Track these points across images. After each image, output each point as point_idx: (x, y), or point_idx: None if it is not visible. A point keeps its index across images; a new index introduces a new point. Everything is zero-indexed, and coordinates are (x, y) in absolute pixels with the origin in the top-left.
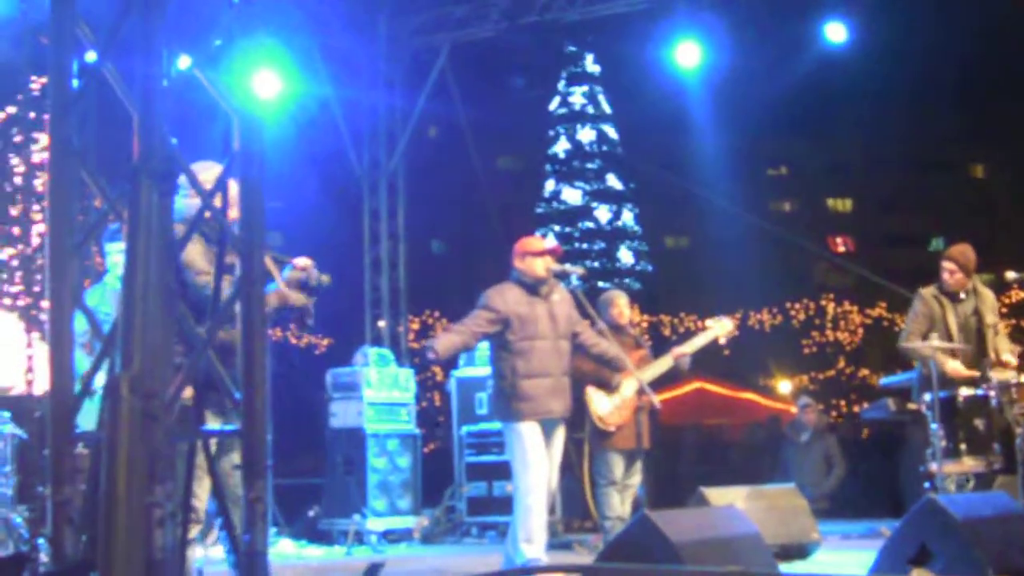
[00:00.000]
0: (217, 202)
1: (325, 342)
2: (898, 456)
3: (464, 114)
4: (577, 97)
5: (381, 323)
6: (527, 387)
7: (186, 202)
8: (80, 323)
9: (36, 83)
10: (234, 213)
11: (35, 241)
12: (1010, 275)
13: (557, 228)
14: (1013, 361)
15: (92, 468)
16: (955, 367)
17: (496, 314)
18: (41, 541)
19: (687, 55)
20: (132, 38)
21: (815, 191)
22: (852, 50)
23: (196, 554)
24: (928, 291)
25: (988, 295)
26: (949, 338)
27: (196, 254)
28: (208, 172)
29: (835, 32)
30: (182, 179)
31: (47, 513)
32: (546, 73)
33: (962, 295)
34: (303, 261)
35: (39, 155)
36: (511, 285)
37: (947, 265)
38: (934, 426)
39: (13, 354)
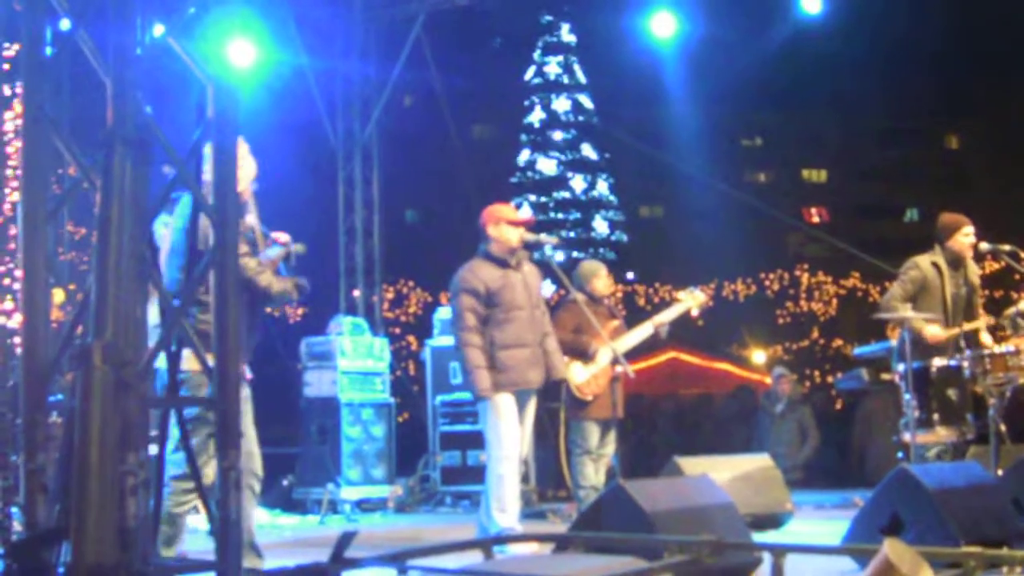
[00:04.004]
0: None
1: (299, 311)
2: (854, 425)
3: (439, 83)
4: (552, 67)
5: (356, 292)
6: (505, 358)
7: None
8: None
9: (9, 50)
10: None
11: (7, 209)
12: (983, 246)
13: (532, 198)
14: (989, 341)
15: (65, 436)
16: (934, 331)
17: (476, 294)
18: (14, 509)
19: (662, 25)
20: (106, 5)
21: (790, 162)
22: (827, 21)
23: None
24: (924, 259)
25: (973, 266)
26: (944, 305)
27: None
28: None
29: (810, 3)
30: None
31: (20, 481)
32: (521, 42)
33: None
34: (285, 236)
35: (12, 123)
36: (480, 262)
37: (969, 230)
38: (908, 396)
39: None
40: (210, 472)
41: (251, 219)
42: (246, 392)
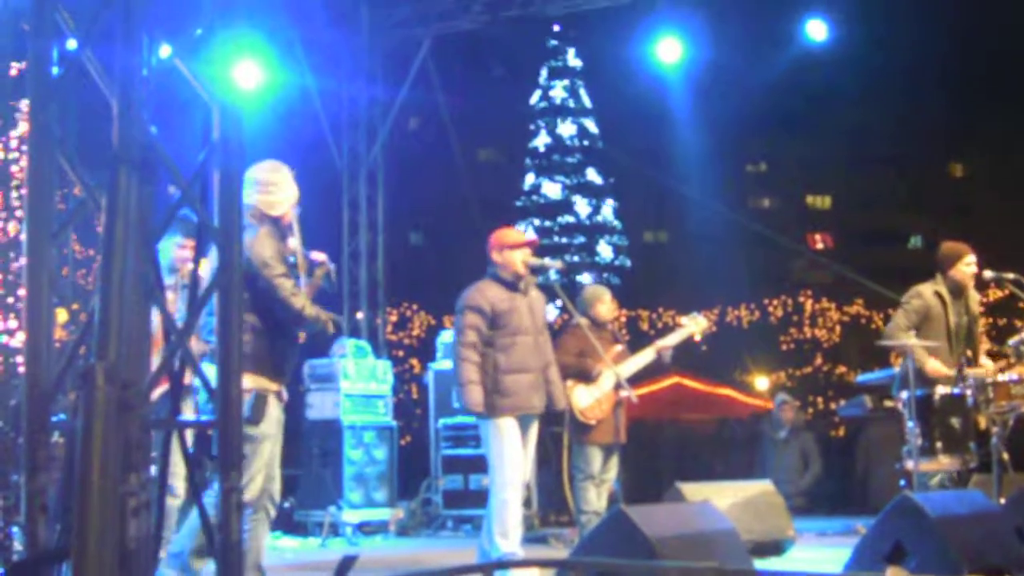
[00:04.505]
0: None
1: (302, 333)
2: (857, 452)
3: (445, 106)
4: (558, 91)
5: (359, 314)
6: (509, 382)
7: (261, 197)
8: None
9: (15, 69)
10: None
11: (12, 228)
12: (987, 274)
13: (537, 222)
14: (990, 366)
15: (67, 457)
16: (935, 366)
17: (481, 313)
18: (15, 529)
19: (668, 51)
20: (112, 26)
21: (794, 188)
22: (833, 48)
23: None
24: (927, 288)
25: (975, 294)
26: (947, 334)
27: (268, 249)
28: (276, 172)
29: (816, 30)
30: (261, 175)
31: (21, 501)
32: (527, 66)
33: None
34: (322, 255)
35: (17, 142)
36: (488, 282)
37: (971, 259)
38: (911, 424)
39: None
40: (254, 489)
41: (293, 243)
42: (281, 416)
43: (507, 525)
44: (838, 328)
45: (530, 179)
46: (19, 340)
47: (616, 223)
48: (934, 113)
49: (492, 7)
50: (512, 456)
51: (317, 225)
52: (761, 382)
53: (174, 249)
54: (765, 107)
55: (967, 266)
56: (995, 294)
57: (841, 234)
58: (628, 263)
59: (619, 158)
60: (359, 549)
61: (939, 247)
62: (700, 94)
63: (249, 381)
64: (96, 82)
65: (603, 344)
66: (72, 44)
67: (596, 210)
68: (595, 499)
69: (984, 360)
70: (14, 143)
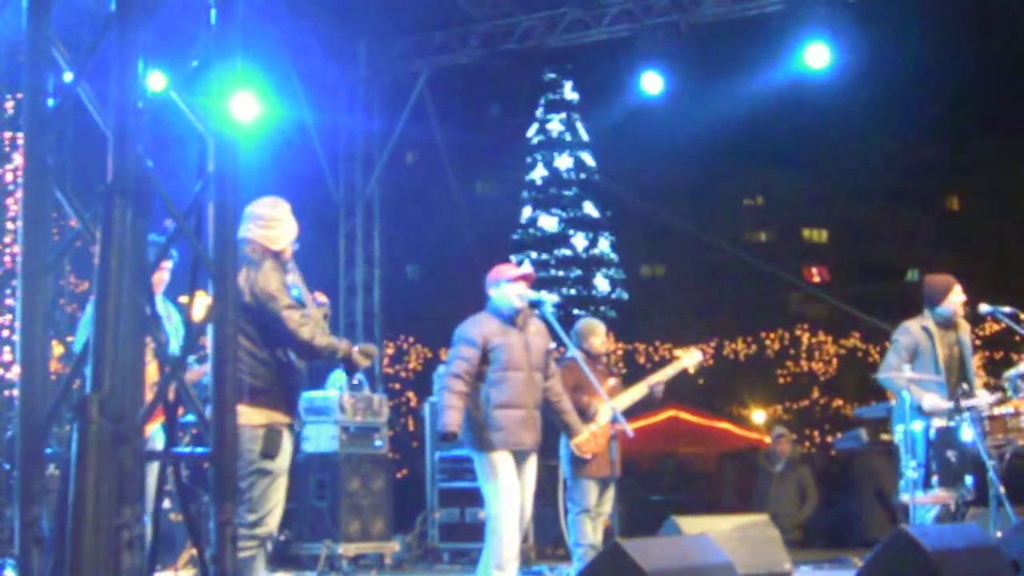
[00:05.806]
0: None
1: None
2: (853, 485)
3: (442, 139)
4: (555, 124)
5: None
6: (499, 417)
7: (262, 232)
8: None
9: (10, 101)
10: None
11: (8, 261)
12: (984, 308)
13: (534, 255)
14: (986, 398)
15: (61, 489)
16: (932, 401)
17: (475, 346)
18: (9, 562)
19: (657, 83)
20: (108, 58)
21: (791, 221)
22: (830, 81)
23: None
24: (914, 323)
25: (965, 325)
26: (937, 368)
27: (273, 282)
28: (276, 208)
29: (816, 57)
30: (262, 211)
31: (15, 534)
32: (524, 100)
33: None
34: (324, 297)
35: (13, 174)
36: (486, 316)
37: (959, 289)
38: (907, 457)
39: None
40: (272, 523)
41: (293, 277)
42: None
43: (503, 558)
44: (835, 361)
45: (527, 212)
46: (15, 372)
47: (613, 256)
48: (931, 147)
49: (489, 41)
50: (506, 489)
51: (313, 258)
52: (758, 415)
53: None
54: (762, 141)
55: (957, 296)
56: (992, 327)
57: (838, 268)
58: (625, 296)
59: (616, 191)
60: None
61: (924, 282)
62: (696, 127)
63: (263, 416)
64: (92, 114)
65: (597, 377)
66: (68, 76)
67: (593, 243)
68: (591, 532)
69: (980, 392)
70: (10, 175)
